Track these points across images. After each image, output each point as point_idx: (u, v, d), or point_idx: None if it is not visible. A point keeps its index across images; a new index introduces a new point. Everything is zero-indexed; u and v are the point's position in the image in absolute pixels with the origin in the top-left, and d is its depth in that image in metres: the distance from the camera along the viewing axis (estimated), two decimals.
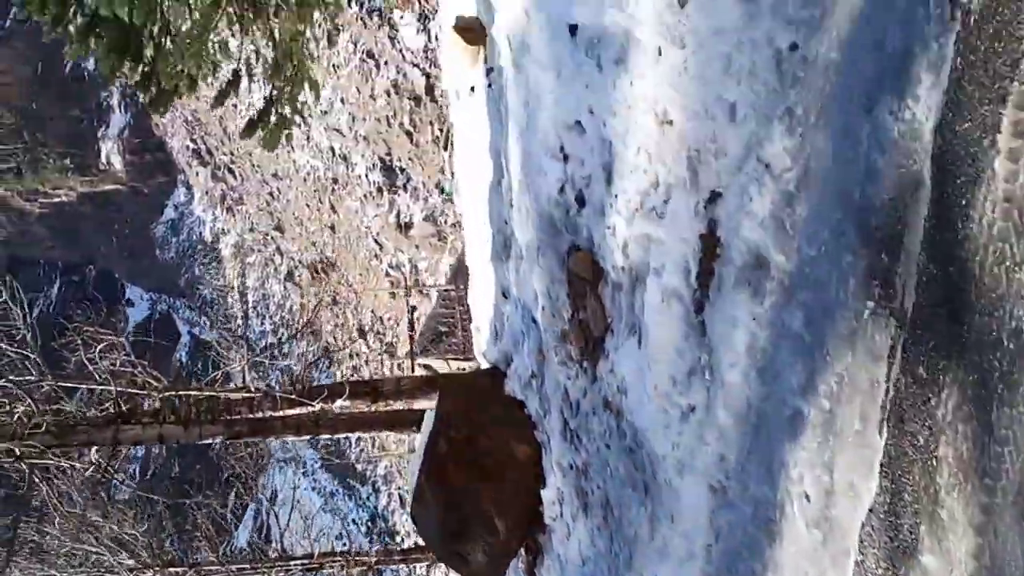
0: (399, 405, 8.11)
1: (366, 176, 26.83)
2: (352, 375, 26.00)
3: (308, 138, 26.46)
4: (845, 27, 2.75)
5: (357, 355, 28.08)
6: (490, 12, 5.63)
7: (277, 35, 5.69)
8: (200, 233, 32.59)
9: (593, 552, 5.41)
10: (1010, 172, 2.25)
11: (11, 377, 8.15)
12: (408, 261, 26.06)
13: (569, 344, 5.36)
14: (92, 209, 33.61)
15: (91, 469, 9.29)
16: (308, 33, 6.80)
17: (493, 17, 5.57)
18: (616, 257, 4.42)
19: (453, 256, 21.84)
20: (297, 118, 5.46)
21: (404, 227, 25.61)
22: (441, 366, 14.94)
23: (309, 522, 16.93)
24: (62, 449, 7.76)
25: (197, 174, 31.96)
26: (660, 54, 3.55)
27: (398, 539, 23.94)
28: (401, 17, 22.06)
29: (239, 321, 29.35)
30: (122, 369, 8.49)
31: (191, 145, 31.34)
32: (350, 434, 11.08)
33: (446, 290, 17.14)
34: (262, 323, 30.48)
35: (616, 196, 4.28)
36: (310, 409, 7.71)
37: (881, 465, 2.82)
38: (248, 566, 11.40)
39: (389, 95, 24.29)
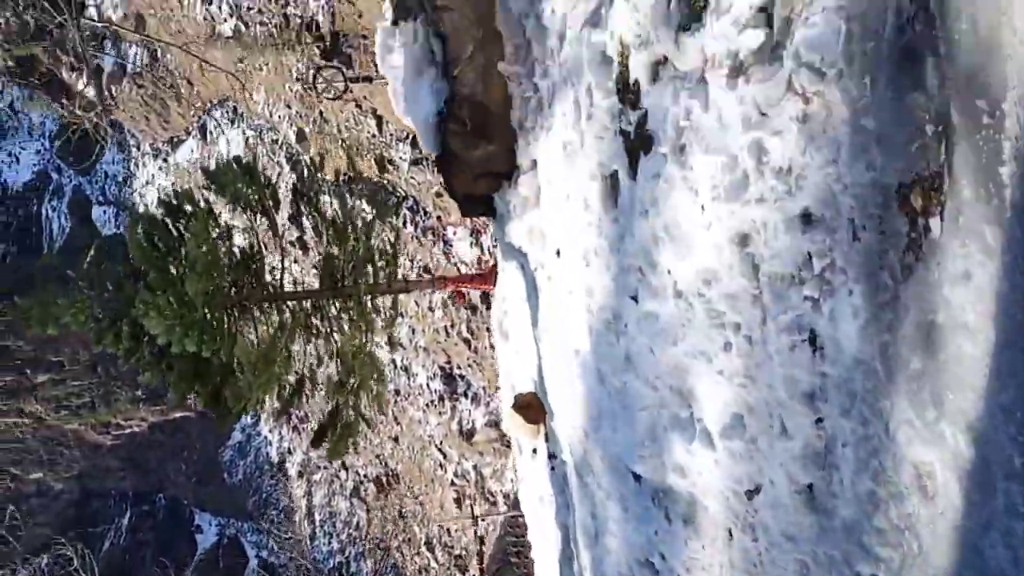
0: None
1: (427, 385, 27.07)
2: None
3: None
4: None
5: (425, 570, 27.31)
6: (545, 399, 5.77)
7: (337, 348, 5.88)
8: (267, 454, 32.81)
9: None
10: None
11: None
12: (473, 468, 25.75)
13: None
14: (163, 437, 34.22)
15: None
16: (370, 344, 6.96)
17: (551, 408, 5.69)
18: None
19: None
20: (362, 424, 5.54)
21: (467, 434, 25.51)
22: None
23: None
24: None
25: None
26: (731, 537, 3.58)
27: None
28: (454, 233, 22.93)
29: (307, 543, 28.94)
30: None
31: None
32: None
33: (512, 516, 16.75)
34: (329, 542, 30.00)
35: None
36: None
37: None
38: None
39: (446, 305, 24.87)
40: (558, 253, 5.94)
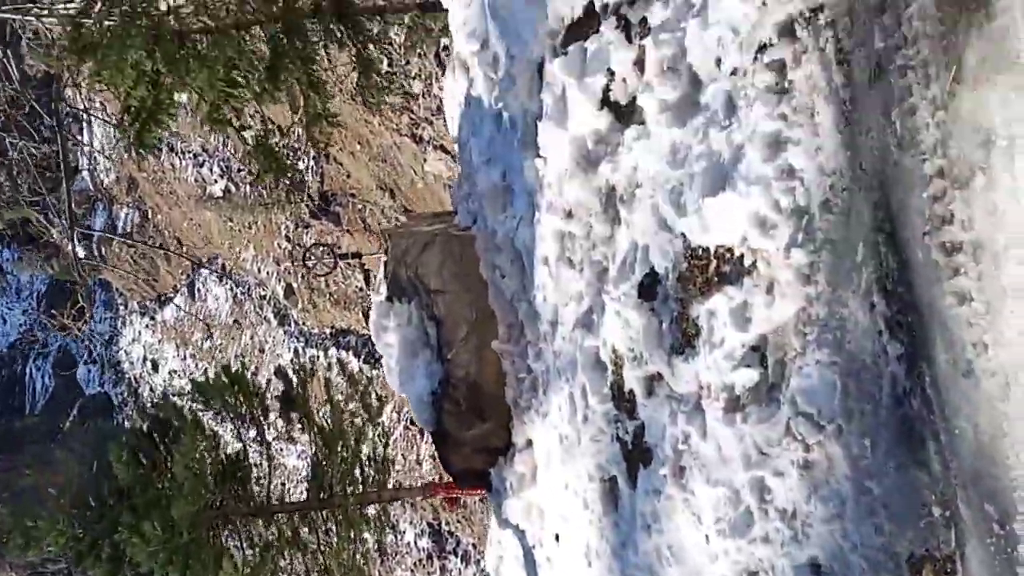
0: None
1: (415, 543, 26.32)
2: None
3: None
4: None
5: None
6: None
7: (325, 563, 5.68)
8: None
9: None
10: None
11: None
12: None
13: None
14: None
15: None
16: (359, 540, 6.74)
17: None
18: None
19: None
20: None
21: None
22: None
23: None
24: None
25: None
26: None
27: None
28: None
29: None
30: None
31: None
32: None
33: None
34: None
35: None
36: None
37: None
38: None
39: (434, 458, 24.48)
40: (557, 538, 5.87)
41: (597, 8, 4.58)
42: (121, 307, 26.27)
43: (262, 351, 23.47)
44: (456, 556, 25.19)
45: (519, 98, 5.30)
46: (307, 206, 20.44)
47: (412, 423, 18.69)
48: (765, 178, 3.76)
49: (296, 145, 19.36)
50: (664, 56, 4.25)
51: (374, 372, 18.87)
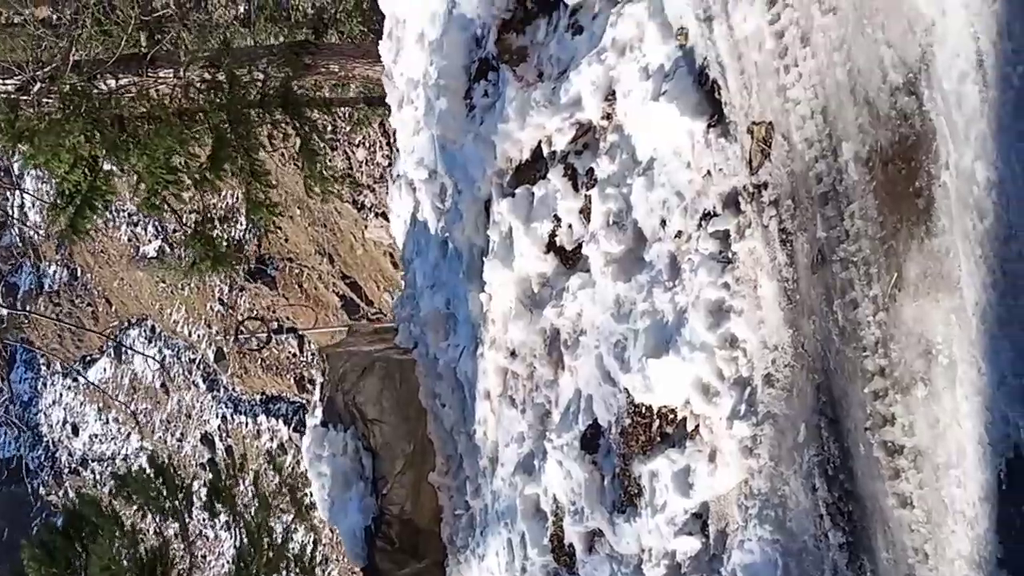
0: None
1: None
2: None
3: None
4: None
5: None
6: None
7: None
8: None
9: None
10: None
11: None
12: None
13: None
14: None
15: None
16: None
17: None
18: None
19: None
20: None
21: None
22: None
23: None
24: None
25: None
26: None
27: None
28: None
29: None
30: None
31: None
32: None
33: None
34: None
35: None
36: None
37: None
38: None
39: None
40: None
41: (545, 154, 4.61)
42: (43, 367, 25.33)
43: (189, 416, 22.78)
44: None
45: (466, 231, 5.29)
46: (242, 269, 20.12)
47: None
48: (708, 346, 3.77)
49: (235, 206, 19.12)
50: (610, 209, 4.28)
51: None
